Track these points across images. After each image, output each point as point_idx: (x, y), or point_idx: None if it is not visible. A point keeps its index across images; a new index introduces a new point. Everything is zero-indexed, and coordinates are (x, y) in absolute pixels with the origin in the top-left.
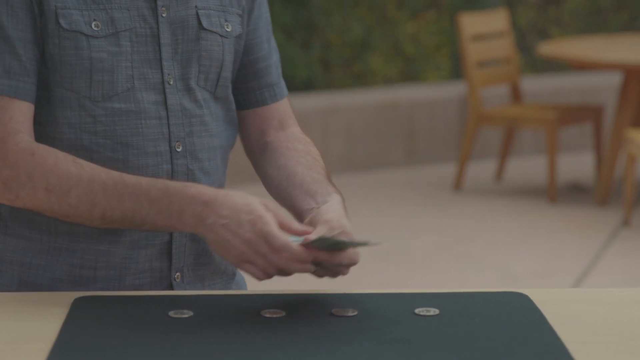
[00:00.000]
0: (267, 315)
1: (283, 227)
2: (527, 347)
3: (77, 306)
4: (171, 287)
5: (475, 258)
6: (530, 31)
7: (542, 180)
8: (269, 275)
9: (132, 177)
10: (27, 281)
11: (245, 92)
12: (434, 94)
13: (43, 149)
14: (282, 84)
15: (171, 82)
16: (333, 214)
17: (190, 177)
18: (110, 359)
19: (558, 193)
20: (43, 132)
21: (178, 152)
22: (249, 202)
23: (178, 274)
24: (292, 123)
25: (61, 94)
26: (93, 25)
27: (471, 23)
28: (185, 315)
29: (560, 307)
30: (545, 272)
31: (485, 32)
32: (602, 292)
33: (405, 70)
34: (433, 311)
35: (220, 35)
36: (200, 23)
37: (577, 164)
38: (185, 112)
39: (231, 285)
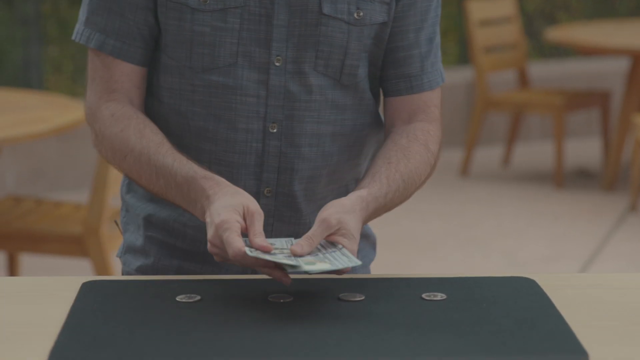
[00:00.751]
0: (275, 300)
1: (249, 236)
2: (534, 331)
3: (85, 290)
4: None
5: (482, 243)
6: (537, 16)
7: (549, 166)
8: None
9: (171, 156)
10: (136, 222)
11: (383, 80)
12: None
13: (122, 112)
14: (427, 77)
15: (278, 64)
16: (332, 209)
17: (282, 159)
18: (118, 343)
19: (565, 178)
20: (150, 91)
21: (272, 133)
22: (226, 205)
23: None
24: (423, 117)
25: (164, 60)
26: None
27: (478, 8)
28: (193, 300)
29: (567, 291)
30: (552, 257)
31: (492, 17)
32: (608, 277)
33: None
34: (440, 296)
35: (345, 22)
36: (321, 8)
37: (584, 150)
38: (289, 95)
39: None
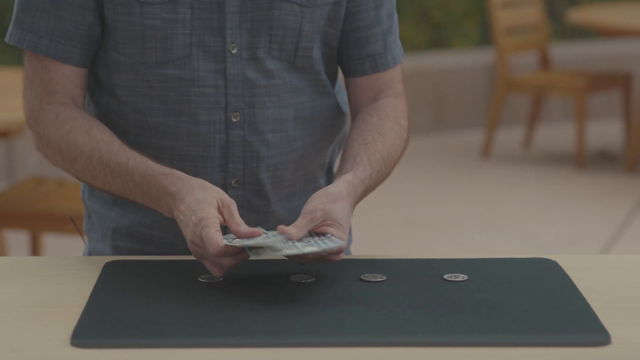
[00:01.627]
0: (297, 281)
1: (231, 228)
2: (556, 312)
3: (108, 270)
4: None
5: (503, 225)
6: None
7: (571, 147)
8: (222, 272)
9: (124, 155)
10: (100, 230)
11: (346, 61)
12: (463, 60)
13: (66, 114)
14: (391, 54)
15: (234, 51)
16: (317, 201)
17: (247, 148)
18: (140, 321)
19: (586, 160)
20: (106, 92)
21: (234, 122)
22: (200, 200)
23: None
24: (390, 94)
25: (116, 58)
26: None
27: None
28: (215, 280)
29: (589, 273)
30: (573, 239)
31: None
32: (630, 258)
33: (433, 37)
34: (462, 277)
35: (298, 4)
36: None
37: (606, 131)
38: (247, 82)
39: None
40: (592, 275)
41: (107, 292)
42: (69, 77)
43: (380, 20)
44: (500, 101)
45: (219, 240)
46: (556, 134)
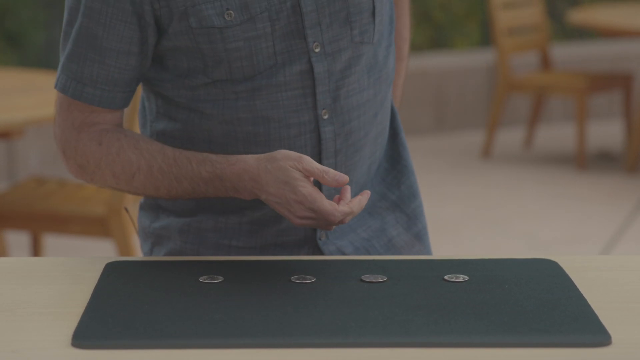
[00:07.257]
0: (297, 281)
1: (318, 179)
2: (556, 312)
3: (109, 271)
4: (317, 247)
5: (504, 225)
6: None
7: (571, 148)
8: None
9: (183, 158)
10: (181, 229)
11: None
12: (463, 61)
13: (110, 138)
14: None
15: (317, 50)
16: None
17: (338, 141)
18: (141, 322)
19: (587, 160)
20: (187, 107)
21: (325, 119)
22: (288, 180)
23: (323, 232)
24: None
25: (203, 80)
26: (226, 16)
27: None
28: (216, 281)
29: (590, 273)
30: (574, 239)
31: None
32: (631, 258)
33: (434, 38)
34: (462, 277)
35: None
36: None
37: (606, 132)
38: (333, 76)
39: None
40: (593, 275)
41: (108, 292)
42: (109, 119)
43: None
44: (501, 101)
45: (333, 205)
46: (557, 134)
